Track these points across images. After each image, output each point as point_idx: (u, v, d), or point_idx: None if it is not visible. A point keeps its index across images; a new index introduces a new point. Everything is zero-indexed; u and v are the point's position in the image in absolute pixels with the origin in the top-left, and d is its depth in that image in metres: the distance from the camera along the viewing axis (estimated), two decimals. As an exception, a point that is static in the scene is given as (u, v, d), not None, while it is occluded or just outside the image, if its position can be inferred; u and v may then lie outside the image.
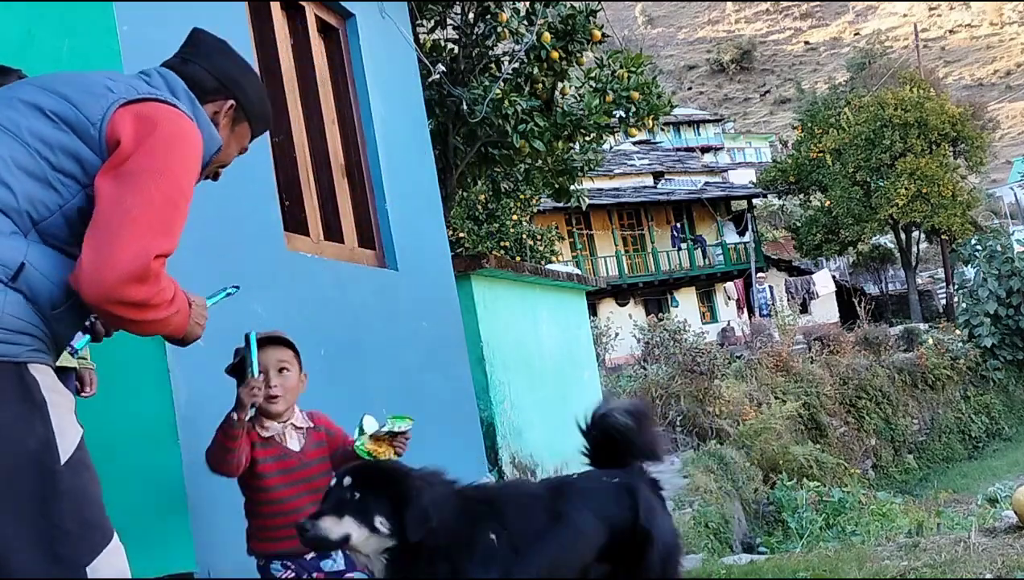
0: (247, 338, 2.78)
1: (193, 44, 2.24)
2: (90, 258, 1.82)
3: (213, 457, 2.79)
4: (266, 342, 2.88)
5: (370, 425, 2.82)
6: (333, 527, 2.39)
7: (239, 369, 2.81)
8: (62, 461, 1.83)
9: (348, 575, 2.88)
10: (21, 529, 1.75)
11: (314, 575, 2.86)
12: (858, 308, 23.85)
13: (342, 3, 5.54)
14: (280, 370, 2.89)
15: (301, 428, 2.93)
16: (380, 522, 2.40)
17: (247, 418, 2.75)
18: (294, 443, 2.90)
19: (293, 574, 2.86)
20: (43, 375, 1.88)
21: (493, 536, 2.47)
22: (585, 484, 2.75)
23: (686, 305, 31.82)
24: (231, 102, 2.20)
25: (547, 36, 8.67)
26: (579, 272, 19.57)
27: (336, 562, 2.89)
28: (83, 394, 3.16)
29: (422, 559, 2.40)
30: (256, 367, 2.74)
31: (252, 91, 2.27)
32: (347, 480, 2.46)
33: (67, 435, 1.87)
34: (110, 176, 1.89)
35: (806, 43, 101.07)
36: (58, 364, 3.01)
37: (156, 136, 1.93)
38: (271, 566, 2.89)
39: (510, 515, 2.53)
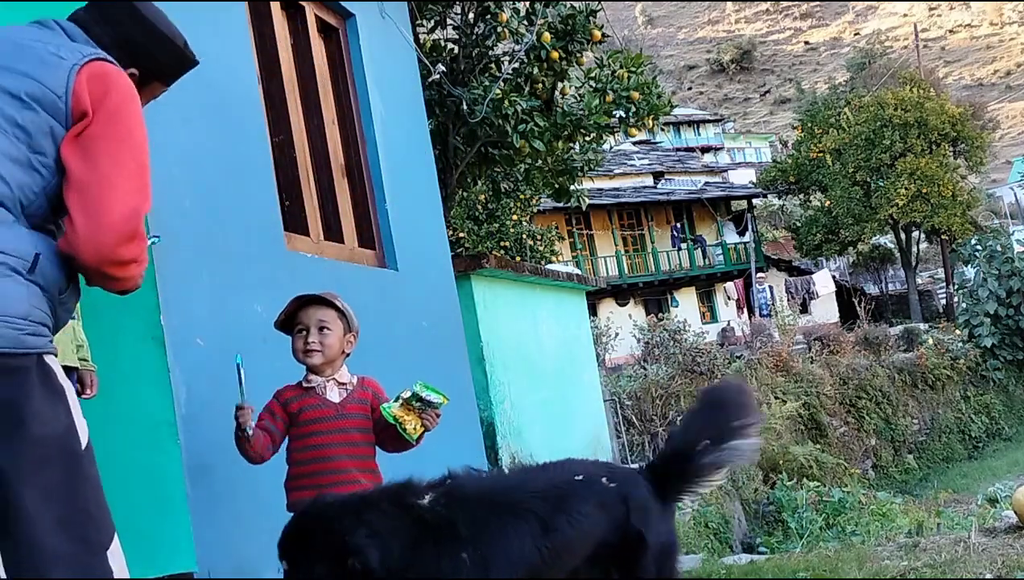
0: (238, 366, 2.97)
1: (98, 8, 2.20)
2: (84, 223, 1.90)
3: (239, 449, 3.03)
4: (310, 301, 3.09)
5: (408, 395, 2.90)
6: None
7: (286, 325, 3.13)
8: (83, 446, 1.89)
9: None
10: (48, 510, 1.79)
11: None
12: (858, 308, 23.83)
13: (342, 3, 5.54)
14: (320, 329, 3.05)
15: (344, 384, 3.08)
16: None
17: (249, 432, 2.97)
18: (334, 395, 3.05)
19: None
20: (55, 365, 1.93)
21: (464, 556, 2.35)
22: (587, 490, 2.63)
23: (686, 305, 31.81)
24: (132, 71, 2.18)
25: (547, 36, 8.67)
26: (579, 272, 19.57)
27: None
28: (84, 395, 3.17)
29: None
30: (244, 392, 2.96)
31: (161, 54, 2.27)
32: (284, 564, 2.43)
33: (83, 423, 1.93)
34: (75, 143, 1.94)
35: (806, 43, 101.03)
36: (63, 363, 3.03)
37: (112, 98, 1.98)
38: None
39: (493, 537, 2.39)
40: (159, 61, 2.26)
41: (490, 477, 2.68)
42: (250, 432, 2.95)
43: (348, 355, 3.13)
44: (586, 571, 2.61)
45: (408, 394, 2.86)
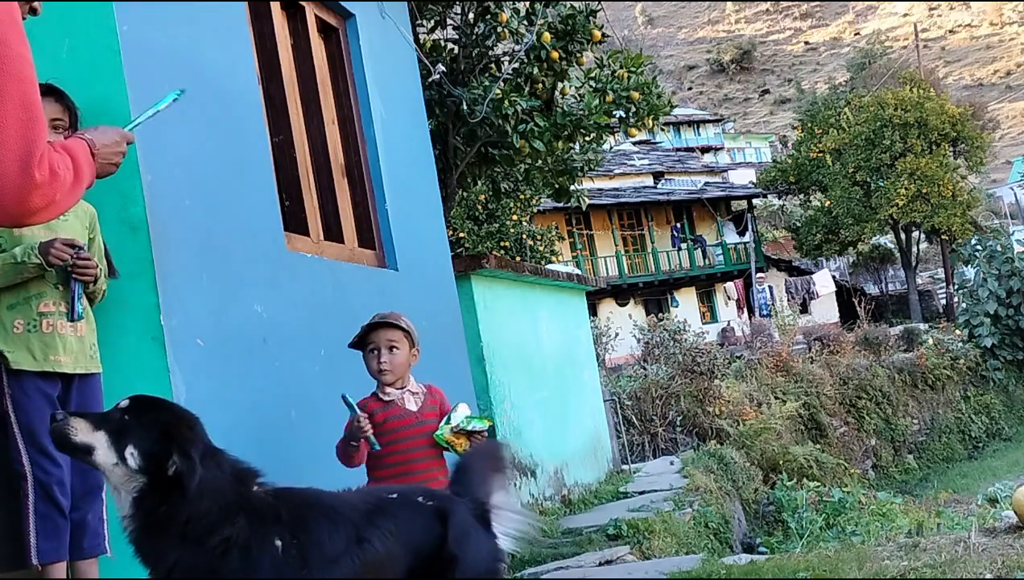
0: (344, 398, 3.35)
1: None
2: None
3: (341, 454, 3.42)
4: (380, 325, 3.55)
5: (459, 414, 3.35)
6: (82, 431, 2.24)
7: (359, 344, 3.61)
8: None
9: None
10: None
11: None
12: (858, 308, 23.85)
13: (342, 3, 5.54)
14: (390, 348, 3.51)
15: (416, 393, 3.54)
16: (131, 452, 2.23)
17: (361, 438, 3.34)
18: (411, 405, 3.50)
19: None
20: None
21: (279, 543, 2.31)
22: (400, 508, 2.58)
23: (686, 305, 31.81)
24: None
25: (547, 36, 8.66)
26: (579, 272, 19.57)
27: None
28: None
29: (172, 528, 2.22)
30: (357, 410, 3.34)
31: None
32: (124, 403, 2.35)
33: None
34: None
35: (806, 43, 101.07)
36: (86, 371, 3.01)
37: None
38: None
39: (310, 529, 2.36)
40: None
41: (311, 489, 2.65)
42: (377, 446, 3.31)
43: (412, 364, 3.59)
44: None
45: (457, 426, 3.32)
